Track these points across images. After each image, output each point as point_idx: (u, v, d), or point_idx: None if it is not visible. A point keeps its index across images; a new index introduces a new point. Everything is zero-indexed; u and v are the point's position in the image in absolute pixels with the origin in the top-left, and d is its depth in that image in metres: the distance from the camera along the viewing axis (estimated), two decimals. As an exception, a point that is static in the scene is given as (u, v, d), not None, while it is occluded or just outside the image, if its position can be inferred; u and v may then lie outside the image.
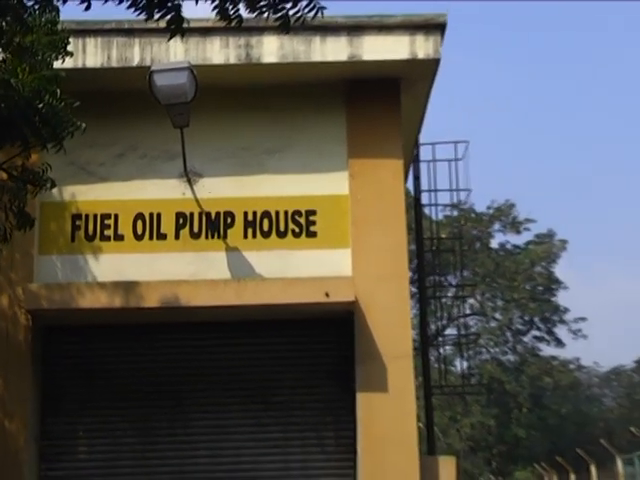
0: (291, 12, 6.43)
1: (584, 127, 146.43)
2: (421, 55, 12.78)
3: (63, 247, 12.74)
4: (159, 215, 12.84)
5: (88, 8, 6.44)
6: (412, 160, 16.41)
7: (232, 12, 6.51)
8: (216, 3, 6.44)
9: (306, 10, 6.37)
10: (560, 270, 61.96)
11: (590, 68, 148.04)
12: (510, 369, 60.88)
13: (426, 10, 12.93)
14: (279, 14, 6.43)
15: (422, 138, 16.20)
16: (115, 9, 6.49)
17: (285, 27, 6.51)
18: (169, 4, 6.49)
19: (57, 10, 7.38)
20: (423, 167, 17.15)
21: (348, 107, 13.38)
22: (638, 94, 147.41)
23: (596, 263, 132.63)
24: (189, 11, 7.22)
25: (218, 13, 6.51)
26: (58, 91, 9.33)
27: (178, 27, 6.56)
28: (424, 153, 17.15)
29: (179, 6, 6.47)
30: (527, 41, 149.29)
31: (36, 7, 7.24)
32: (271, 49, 12.59)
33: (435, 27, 12.79)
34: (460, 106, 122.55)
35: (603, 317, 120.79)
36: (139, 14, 6.52)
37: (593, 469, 30.80)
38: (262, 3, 6.41)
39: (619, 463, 29.28)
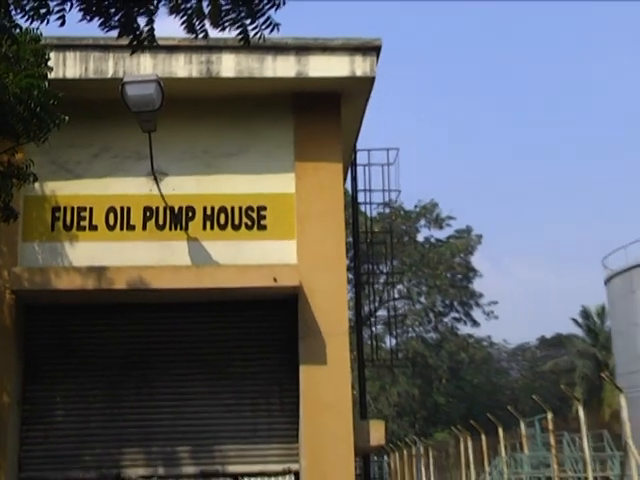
0: (250, 28, 6.37)
1: (504, 138, 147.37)
2: (359, 73, 12.85)
3: (44, 235, 12.61)
4: (129, 209, 12.77)
5: (63, 24, 6.37)
6: (350, 164, 16.44)
7: (199, 27, 6.46)
8: (184, 19, 6.37)
9: (263, 27, 6.33)
10: (476, 260, 62.79)
11: (510, 75, 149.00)
12: (432, 345, 61.41)
13: (364, 34, 13.01)
14: (239, 29, 6.39)
15: (359, 144, 16.24)
16: (92, 26, 6.43)
17: (245, 41, 6.47)
18: (141, 27, 6.46)
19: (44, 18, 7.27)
20: (360, 170, 17.31)
21: (295, 117, 13.39)
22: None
23: (506, 255, 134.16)
24: (158, 29, 7.22)
25: (186, 28, 6.44)
26: (46, 84, 9.30)
27: (139, 44, 6.53)
28: (361, 158, 17.32)
29: (152, 28, 6.44)
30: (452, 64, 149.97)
31: (24, 22, 7.10)
32: (229, 65, 12.59)
33: (371, 49, 12.87)
34: (392, 116, 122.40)
35: (511, 301, 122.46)
36: (107, 31, 6.49)
37: (500, 431, 31.07)
38: (225, 19, 6.37)
39: (522, 426, 29.56)
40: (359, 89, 13.20)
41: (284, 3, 6.29)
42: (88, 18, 6.31)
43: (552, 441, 27.80)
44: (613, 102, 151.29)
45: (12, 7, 6.66)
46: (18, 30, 8.68)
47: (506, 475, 28.09)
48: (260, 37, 6.40)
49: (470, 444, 34.63)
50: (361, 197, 17.72)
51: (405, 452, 46.79)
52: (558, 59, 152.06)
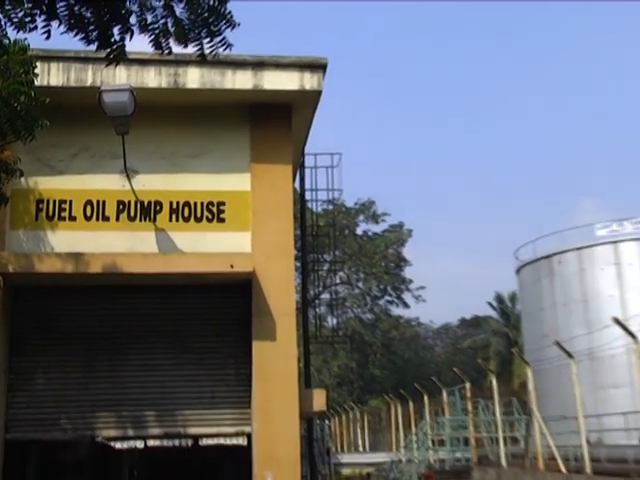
0: (208, 46, 6.43)
1: (432, 145, 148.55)
2: (307, 87, 12.90)
3: (29, 224, 12.46)
4: (104, 202, 12.66)
5: (48, 38, 6.37)
6: (299, 166, 16.49)
7: (164, 44, 6.48)
8: (152, 37, 6.39)
9: (219, 45, 6.40)
10: (407, 251, 63.16)
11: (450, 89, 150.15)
12: (368, 325, 61.76)
13: (313, 53, 13.06)
14: (198, 47, 6.44)
15: (307, 149, 16.26)
16: (73, 41, 6.41)
17: (202, 57, 6.54)
18: (114, 40, 6.44)
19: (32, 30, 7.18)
20: (307, 171, 17.37)
21: (251, 124, 13.37)
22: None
23: (433, 247, 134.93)
24: (132, 45, 7.21)
25: (154, 45, 6.46)
26: (32, 93, 9.18)
27: (115, 57, 6.53)
28: (308, 161, 17.34)
29: (123, 45, 6.43)
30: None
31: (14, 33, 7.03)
32: (194, 78, 12.57)
33: (318, 67, 12.93)
34: (338, 124, 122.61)
35: (436, 286, 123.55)
36: (87, 44, 6.47)
37: (426, 398, 31.41)
38: (188, 37, 6.41)
39: (444, 394, 29.91)
40: (307, 101, 13.24)
41: (238, 25, 6.38)
42: (71, 33, 6.30)
43: (469, 407, 28.15)
44: (530, 112, 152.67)
45: (2, 18, 6.58)
46: (7, 41, 8.60)
47: (430, 436, 28.31)
48: (215, 54, 6.49)
49: (400, 410, 34.98)
50: (308, 195, 17.78)
51: (344, 417, 47.12)
52: (486, 74, 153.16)
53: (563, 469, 21.13)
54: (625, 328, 17.43)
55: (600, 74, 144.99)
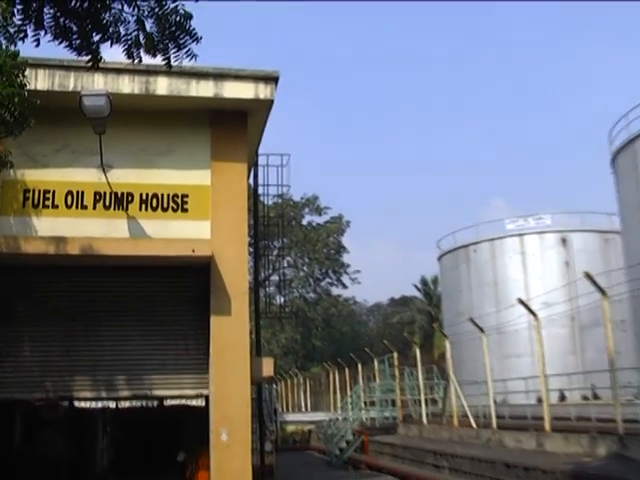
0: (174, 56, 6.44)
1: (369, 149, 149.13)
2: (261, 96, 12.92)
3: (17, 211, 12.25)
4: (83, 192, 12.50)
5: (37, 46, 6.33)
6: (253, 164, 16.46)
7: (136, 54, 6.47)
8: (125, 47, 6.39)
9: (185, 56, 6.42)
10: (345, 240, 63.28)
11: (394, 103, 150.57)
12: (311, 303, 61.88)
13: (266, 67, 13.06)
14: (166, 57, 6.44)
15: (261, 150, 16.24)
16: (59, 48, 6.38)
17: (169, 66, 6.56)
18: (94, 47, 6.41)
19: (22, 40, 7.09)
20: (260, 169, 17.41)
21: (212, 127, 13.32)
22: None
23: (367, 236, 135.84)
24: (110, 56, 7.17)
25: (126, 54, 6.46)
26: (25, 93, 9.05)
27: (93, 62, 6.49)
28: (261, 160, 17.40)
29: (98, 51, 6.40)
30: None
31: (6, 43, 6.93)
32: (163, 86, 12.50)
33: (271, 79, 12.96)
34: (287, 128, 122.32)
35: (370, 270, 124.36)
36: (71, 52, 6.43)
37: (359, 366, 31.62)
38: (156, 48, 6.41)
39: (375, 362, 30.16)
40: (261, 108, 13.24)
41: (202, 38, 6.38)
42: (56, 41, 6.27)
43: (396, 373, 28.43)
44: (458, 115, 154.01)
45: None
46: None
47: (362, 398, 28.53)
48: (180, 64, 6.56)
49: (337, 376, 35.19)
50: (260, 190, 17.87)
51: (289, 381, 47.28)
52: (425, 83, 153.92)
53: (474, 425, 21.52)
54: (527, 307, 17.79)
55: (520, 83, 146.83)
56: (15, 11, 6.28)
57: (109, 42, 6.36)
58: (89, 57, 6.49)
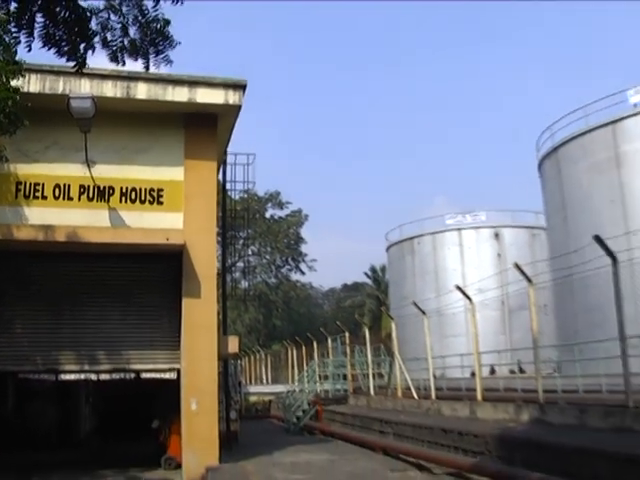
0: (153, 61, 6.46)
1: (327, 150, 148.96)
2: (230, 102, 12.98)
3: (10, 201, 12.19)
4: (69, 185, 12.47)
5: (29, 51, 6.28)
6: (222, 162, 16.44)
7: (120, 58, 6.47)
8: (111, 52, 6.38)
9: (162, 60, 6.45)
10: (304, 231, 63.25)
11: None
12: (272, 287, 61.81)
13: (235, 75, 13.11)
14: (146, 60, 6.46)
15: (229, 149, 16.20)
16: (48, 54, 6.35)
17: (148, 69, 6.56)
18: (80, 54, 6.39)
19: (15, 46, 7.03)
20: (228, 167, 17.41)
21: (186, 128, 13.35)
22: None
23: (323, 228, 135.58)
24: (95, 63, 7.15)
25: (111, 58, 6.46)
26: (18, 97, 8.96)
27: (79, 69, 6.47)
28: (230, 158, 17.38)
29: (84, 57, 6.36)
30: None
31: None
32: (142, 90, 12.49)
33: (240, 86, 13.04)
34: (255, 131, 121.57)
35: (325, 259, 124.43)
36: (60, 57, 6.41)
37: (315, 344, 31.67)
38: (139, 53, 6.42)
39: (329, 341, 30.27)
40: (230, 112, 13.29)
41: (179, 43, 6.41)
42: (47, 48, 6.24)
43: (348, 351, 28.61)
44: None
45: None
46: None
47: (317, 372, 28.65)
48: (158, 68, 6.60)
49: (295, 352, 35.21)
50: (228, 186, 17.83)
51: (252, 357, 47.20)
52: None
53: (415, 396, 21.77)
54: (464, 293, 18.07)
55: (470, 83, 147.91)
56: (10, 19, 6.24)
57: (95, 49, 6.34)
58: (75, 63, 6.46)
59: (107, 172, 12.65)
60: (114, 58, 6.49)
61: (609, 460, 9.78)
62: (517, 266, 15.06)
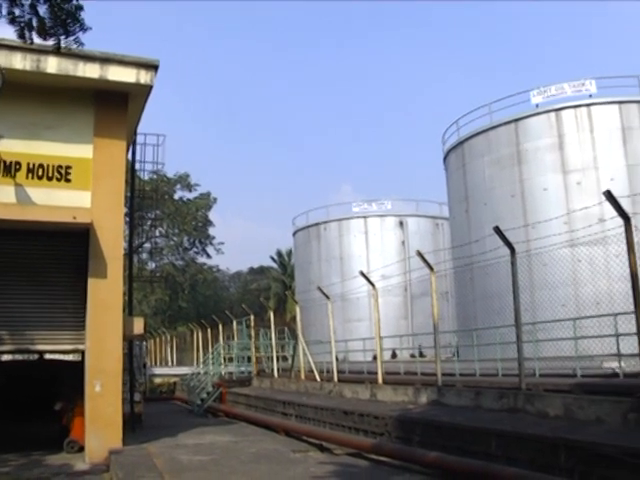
0: (63, 41, 6.31)
1: (239, 136, 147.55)
2: (142, 81, 12.81)
3: None
4: (-25, 161, 11.98)
5: None
6: (132, 142, 16.17)
7: (28, 36, 6.31)
8: (18, 29, 6.23)
9: (72, 42, 6.31)
10: (212, 214, 62.65)
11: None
12: (179, 269, 60.89)
13: (148, 55, 12.92)
14: (56, 41, 6.31)
15: (139, 129, 15.95)
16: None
17: (58, 49, 6.43)
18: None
19: None
20: (138, 147, 17.16)
21: (96, 105, 13.06)
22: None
23: (231, 211, 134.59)
24: (4, 33, 6.94)
25: (18, 35, 6.29)
26: None
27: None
28: (140, 139, 17.11)
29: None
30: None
31: None
32: (53, 65, 12.10)
33: (152, 66, 12.87)
34: (168, 112, 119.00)
35: (233, 242, 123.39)
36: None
37: (220, 326, 31.60)
38: (48, 32, 6.27)
39: (234, 323, 30.26)
40: (141, 92, 13.12)
41: (90, 29, 6.29)
42: None
43: (252, 333, 28.74)
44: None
45: None
46: None
47: (222, 354, 28.62)
48: (68, 49, 6.44)
49: (200, 334, 35.03)
50: (138, 166, 17.59)
51: (158, 339, 46.58)
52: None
53: (318, 378, 22.17)
54: (367, 279, 18.48)
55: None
56: None
57: (2, 21, 6.15)
58: None
59: (14, 147, 12.22)
60: (21, 35, 6.33)
61: (499, 437, 10.40)
62: (419, 254, 15.56)
